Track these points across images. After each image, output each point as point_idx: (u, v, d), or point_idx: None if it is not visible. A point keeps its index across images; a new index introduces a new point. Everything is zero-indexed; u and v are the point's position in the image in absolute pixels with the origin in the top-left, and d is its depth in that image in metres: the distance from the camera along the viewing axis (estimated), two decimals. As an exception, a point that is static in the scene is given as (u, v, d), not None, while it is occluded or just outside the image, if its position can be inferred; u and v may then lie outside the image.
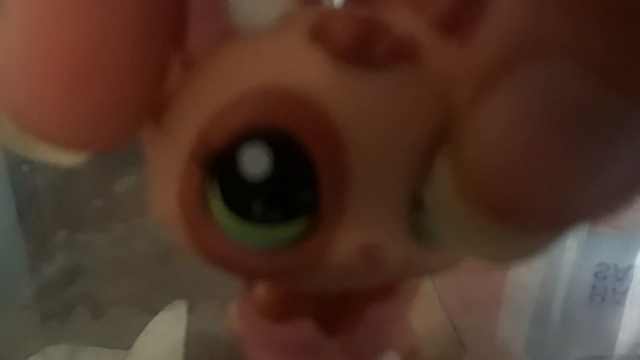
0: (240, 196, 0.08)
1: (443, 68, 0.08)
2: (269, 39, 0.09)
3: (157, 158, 0.09)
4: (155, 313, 0.27)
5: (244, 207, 0.08)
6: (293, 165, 0.08)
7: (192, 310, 0.27)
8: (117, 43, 0.07)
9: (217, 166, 0.08)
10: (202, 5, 0.09)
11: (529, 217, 0.07)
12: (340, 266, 0.09)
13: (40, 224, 0.35)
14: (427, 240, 0.09)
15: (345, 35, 0.08)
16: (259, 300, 0.12)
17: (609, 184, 0.06)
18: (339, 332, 0.12)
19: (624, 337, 0.28)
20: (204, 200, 0.08)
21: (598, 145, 0.06)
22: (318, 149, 0.08)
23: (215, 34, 0.09)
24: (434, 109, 0.08)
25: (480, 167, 0.07)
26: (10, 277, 0.31)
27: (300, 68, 0.08)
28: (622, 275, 0.31)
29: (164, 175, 0.09)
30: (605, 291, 0.30)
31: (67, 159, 0.08)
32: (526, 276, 0.31)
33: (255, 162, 0.08)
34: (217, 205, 0.08)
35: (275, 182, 0.08)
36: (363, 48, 0.08)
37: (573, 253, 0.32)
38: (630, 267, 0.31)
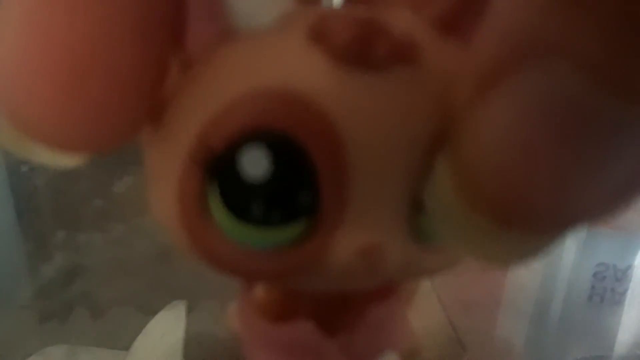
0: (240, 198, 0.08)
1: (443, 68, 0.08)
2: (268, 39, 0.09)
3: (156, 159, 0.09)
4: (155, 313, 0.27)
5: (244, 209, 0.08)
6: (293, 167, 0.08)
7: (191, 310, 0.27)
8: (116, 43, 0.07)
9: (217, 167, 0.08)
10: (201, 5, 0.09)
11: (529, 218, 0.07)
12: (340, 267, 0.09)
13: (40, 224, 0.35)
14: (427, 241, 0.09)
15: (345, 36, 0.08)
16: (259, 301, 0.12)
17: (609, 185, 0.06)
18: (339, 333, 0.12)
19: (623, 337, 0.28)
20: (204, 202, 0.08)
21: (597, 146, 0.06)
22: (318, 150, 0.08)
23: (214, 34, 0.09)
24: (434, 110, 0.08)
25: (480, 168, 0.07)
26: (10, 277, 0.31)
27: (299, 69, 0.08)
28: (621, 276, 0.31)
29: (163, 177, 0.09)
30: (605, 291, 0.30)
31: (65, 160, 0.08)
32: (525, 277, 0.31)
33: (254, 163, 0.08)
34: (217, 207, 0.08)
35: (275, 183, 0.08)
36: (363, 49, 0.08)
37: (572, 253, 0.32)
38: (629, 267, 0.31)
